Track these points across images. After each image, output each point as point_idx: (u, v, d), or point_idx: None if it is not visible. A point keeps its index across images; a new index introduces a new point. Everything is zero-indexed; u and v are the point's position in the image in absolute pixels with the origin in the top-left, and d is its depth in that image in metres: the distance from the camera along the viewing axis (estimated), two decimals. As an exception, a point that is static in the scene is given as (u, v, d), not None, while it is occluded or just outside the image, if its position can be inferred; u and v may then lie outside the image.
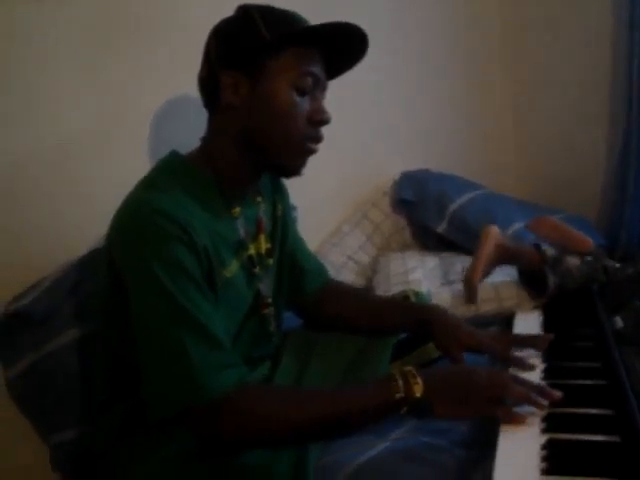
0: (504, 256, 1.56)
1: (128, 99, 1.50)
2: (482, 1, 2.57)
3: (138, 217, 0.94)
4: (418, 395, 0.90)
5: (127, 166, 1.40)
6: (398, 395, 0.90)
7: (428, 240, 2.16)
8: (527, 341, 1.16)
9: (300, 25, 1.03)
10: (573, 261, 1.44)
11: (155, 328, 0.91)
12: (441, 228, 2.04)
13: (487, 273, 1.55)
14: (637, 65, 2.07)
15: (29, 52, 1.33)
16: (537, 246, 1.52)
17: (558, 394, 0.89)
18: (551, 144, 2.55)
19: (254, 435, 0.91)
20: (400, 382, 0.91)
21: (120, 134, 1.49)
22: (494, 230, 1.60)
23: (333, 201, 2.12)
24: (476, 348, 1.14)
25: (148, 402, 0.91)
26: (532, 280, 1.48)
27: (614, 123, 2.26)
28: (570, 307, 1.36)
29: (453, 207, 2.04)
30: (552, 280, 1.40)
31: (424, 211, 2.10)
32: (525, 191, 2.57)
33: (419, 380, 0.91)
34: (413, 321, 1.23)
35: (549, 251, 1.47)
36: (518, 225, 1.93)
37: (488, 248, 1.55)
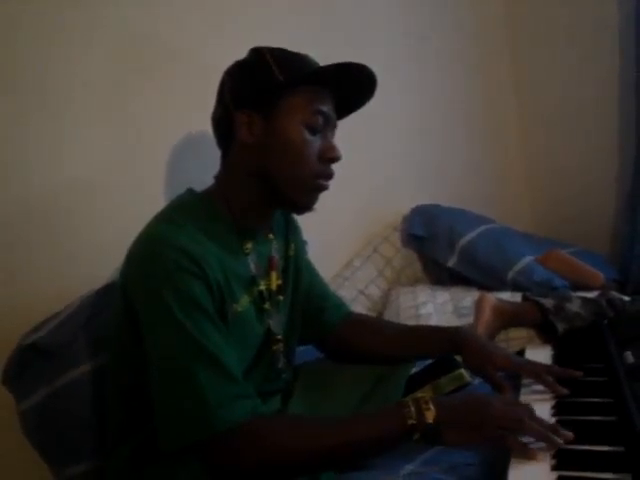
0: (504, 320, 1.56)
1: (143, 137, 1.53)
2: (495, 36, 2.64)
3: (153, 251, 0.96)
4: (430, 421, 0.91)
5: (142, 202, 1.43)
6: (410, 421, 0.91)
7: (439, 274, 2.17)
8: (556, 372, 1.12)
9: (311, 66, 1.08)
10: (575, 304, 1.45)
11: (168, 360, 0.93)
12: (451, 262, 2.06)
13: (490, 340, 1.54)
14: None
15: (45, 89, 1.36)
16: (533, 300, 1.53)
17: (569, 435, 0.89)
18: (563, 179, 2.60)
19: (269, 465, 0.93)
20: (412, 408, 0.92)
21: (135, 171, 1.52)
22: (489, 297, 1.61)
23: (344, 236, 2.13)
24: (514, 370, 1.14)
25: (161, 433, 0.92)
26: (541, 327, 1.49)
27: (624, 159, 2.32)
28: (581, 342, 1.36)
29: (463, 241, 2.06)
30: (561, 326, 1.41)
31: (434, 246, 2.12)
32: (537, 226, 2.61)
33: (431, 406, 0.92)
34: (444, 345, 1.23)
35: (547, 302, 1.48)
36: (528, 259, 1.95)
37: (485, 316, 1.55)
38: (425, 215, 2.20)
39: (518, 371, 1.14)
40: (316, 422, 0.99)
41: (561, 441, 0.87)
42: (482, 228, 2.13)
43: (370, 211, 2.21)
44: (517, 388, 1.13)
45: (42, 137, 1.36)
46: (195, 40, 1.62)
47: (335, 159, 1.09)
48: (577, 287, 1.83)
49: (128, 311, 0.99)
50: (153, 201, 1.42)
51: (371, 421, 0.94)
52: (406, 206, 2.28)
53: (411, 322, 1.77)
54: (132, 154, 1.52)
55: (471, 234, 2.08)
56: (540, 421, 0.91)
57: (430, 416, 0.91)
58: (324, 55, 1.13)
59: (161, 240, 0.96)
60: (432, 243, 2.13)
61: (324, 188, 1.10)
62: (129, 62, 1.51)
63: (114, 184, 1.48)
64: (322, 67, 1.06)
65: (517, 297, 1.72)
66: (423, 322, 1.77)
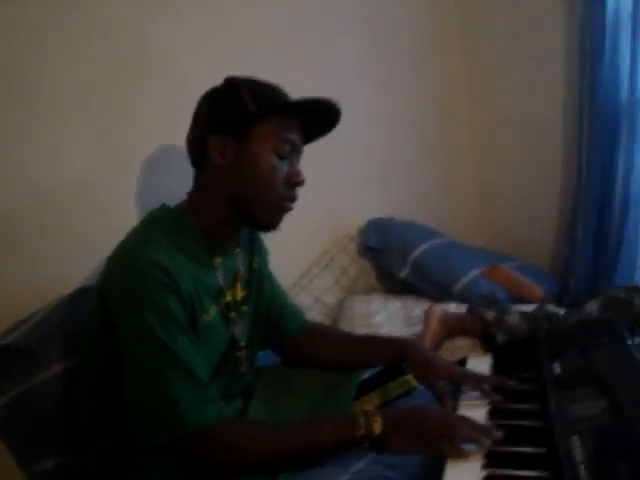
0: (449, 330, 1.67)
1: (120, 150, 1.59)
2: (451, 57, 2.71)
3: (132, 267, 1.03)
4: (377, 432, 1.00)
5: (116, 211, 1.53)
6: (360, 432, 1.00)
7: (392, 284, 2.24)
8: (492, 381, 1.22)
9: (281, 97, 1.16)
10: (514, 317, 1.53)
11: (144, 367, 1.00)
12: (403, 274, 2.14)
13: (436, 349, 1.65)
14: (586, 135, 2.24)
15: (41, 92, 1.42)
16: (476, 313, 1.62)
17: (499, 434, 0.98)
18: (512, 200, 2.70)
19: (233, 464, 1.01)
20: (361, 420, 1.01)
21: (111, 181, 1.57)
22: (436, 309, 1.71)
23: (303, 245, 2.20)
24: (454, 379, 1.23)
25: (135, 433, 0.99)
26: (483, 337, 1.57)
27: (566, 184, 2.43)
28: (518, 352, 1.44)
29: (415, 254, 2.13)
30: (500, 337, 1.49)
31: (388, 257, 2.19)
32: (486, 241, 2.70)
33: (378, 419, 1.01)
34: (392, 355, 1.32)
35: (489, 314, 1.56)
36: (474, 273, 2.04)
37: (433, 326, 1.66)
38: (379, 228, 2.27)
39: (458, 380, 1.23)
40: (276, 428, 1.07)
41: (489, 442, 0.97)
42: (433, 242, 2.20)
43: (328, 222, 2.29)
44: (456, 394, 1.22)
45: (36, 138, 1.42)
46: (186, 50, 1.70)
47: (300, 184, 1.17)
48: (518, 300, 1.92)
49: (104, 318, 1.05)
50: (142, 203, 1.53)
51: (326, 430, 1.03)
52: (363, 218, 2.35)
53: (364, 329, 1.86)
54: (127, 155, 1.58)
55: (422, 247, 2.16)
56: (472, 425, 1.00)
57: (377, 428, 1.00)
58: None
59: (139, 256, 1.03)
60: (386, 255, 2.20)
61: (289, 209, 1.18)
62: (125, 67, 1.58)
63: (106, 185, 1.54)
64: (292, 101, 1.15)
65: (463, 308, 1.80)
66: (375, 330, 1.85)
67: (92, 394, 1.15)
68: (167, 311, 1.00)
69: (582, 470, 0.84)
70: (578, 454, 0.88)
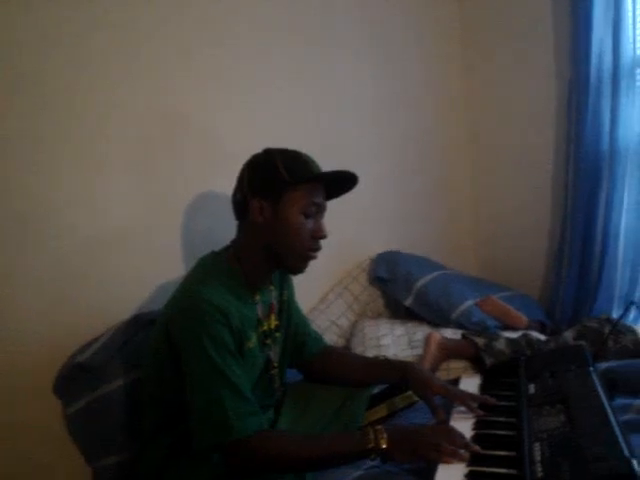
0: (446, 354, 1.87)
1: (166, 198, 1.81)
2: (451, 108, 2.94)
3: (193, 306, 1.25)
4: (384, 446, 1.21)
5: (160, 255, 1.75)
6: (370, 445, 1.21)
7: (397, 310, 2.45)
8: (478, 399, 1.42)
9: (310, 169, 1.38)
10: (501, 343, 1.74)
11: (202, 386, 1.23)
12: (408, 302, 2.34)
13: (434, 370, 1.84)
14: (571, 181, 2.48)
15: (80, 154, 1.62)
16: (469, 339, 1.81)
17: (476, 448, 1.18)
18: (504, 236, 2.94)
19: (271, 464, 1.25)
20: (372, 436, 1.22)
21: (158, 225, 1.79)
22: (435, 335, 1.91)
23: (321, 275, 2.40)
24: (447, 397, 1.45)
25: (194, 436, 1.23)
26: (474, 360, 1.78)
27: (553, 225, 2.67)
28: (502, 374, 1.63)
29: (418, 285, 2.35)
30: (488, 361, 1.70)
31: (394, 287, 2.41)
32: (482, 273, 2.93)
33: (384, 435, 1.22)
34: (396, 375, 1.55)
35: (480, 340, 1.76)
36: (469, 303, 2.25)
37: (432, 350, 1.85)
38: (388, 260, 2.48)
39: (450, 397, 1.44)
40: (303, 440, 1.29)
41: (467, 455, 1.17)
42: (434, 274, 2.43)
43: (343, 255, 2.48)
44: (449, 409, 1.45)
45: (77, 193, 1.62)
46: (213, 117, 1.92)
47: (323, 237, 1.40)
48: (506, 327, 2.14)
49: (169, 345, 1.28)
50: (181, 247, 1.76)
51: (343, 443, 1.24)
52: (373, 251, 2.56)
53: (373, 350, 2.08)
54: (155, 210, 1.78)
55: (425, 279, 2.38)
56: (455, 441, 1.20)
57: (384, 442, 1.21)
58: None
59: (198, 297, 1.25)
60: (393, 285, 2.41)
61: (313, 258, 1.41)
62: (156, 137, 1.78)
63: (148, 231, 1.75)
64: (319, 173, 1.38)
65: (458, 334, 2.03)
66: (383, 351, 2.05)
67: (155, 402, 1.38)
68: (221, 341, 1.23)
69: (538, 467, 1.09)
70: (537, 456, 1.13)
